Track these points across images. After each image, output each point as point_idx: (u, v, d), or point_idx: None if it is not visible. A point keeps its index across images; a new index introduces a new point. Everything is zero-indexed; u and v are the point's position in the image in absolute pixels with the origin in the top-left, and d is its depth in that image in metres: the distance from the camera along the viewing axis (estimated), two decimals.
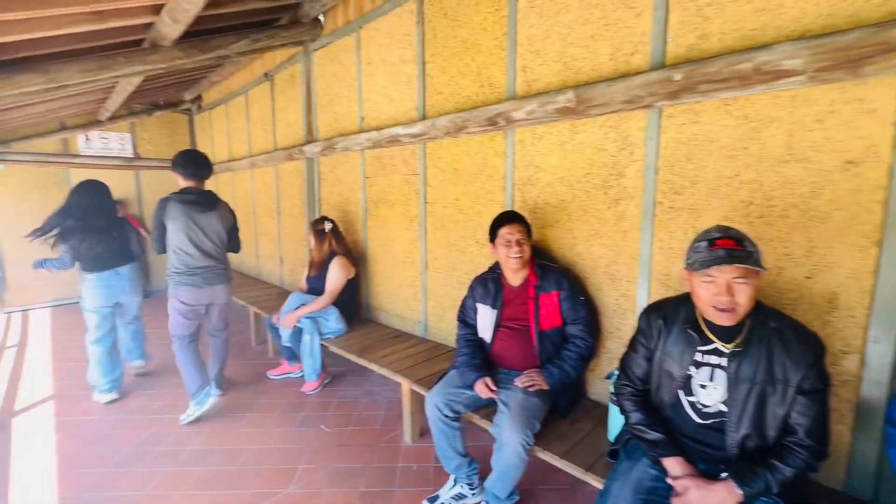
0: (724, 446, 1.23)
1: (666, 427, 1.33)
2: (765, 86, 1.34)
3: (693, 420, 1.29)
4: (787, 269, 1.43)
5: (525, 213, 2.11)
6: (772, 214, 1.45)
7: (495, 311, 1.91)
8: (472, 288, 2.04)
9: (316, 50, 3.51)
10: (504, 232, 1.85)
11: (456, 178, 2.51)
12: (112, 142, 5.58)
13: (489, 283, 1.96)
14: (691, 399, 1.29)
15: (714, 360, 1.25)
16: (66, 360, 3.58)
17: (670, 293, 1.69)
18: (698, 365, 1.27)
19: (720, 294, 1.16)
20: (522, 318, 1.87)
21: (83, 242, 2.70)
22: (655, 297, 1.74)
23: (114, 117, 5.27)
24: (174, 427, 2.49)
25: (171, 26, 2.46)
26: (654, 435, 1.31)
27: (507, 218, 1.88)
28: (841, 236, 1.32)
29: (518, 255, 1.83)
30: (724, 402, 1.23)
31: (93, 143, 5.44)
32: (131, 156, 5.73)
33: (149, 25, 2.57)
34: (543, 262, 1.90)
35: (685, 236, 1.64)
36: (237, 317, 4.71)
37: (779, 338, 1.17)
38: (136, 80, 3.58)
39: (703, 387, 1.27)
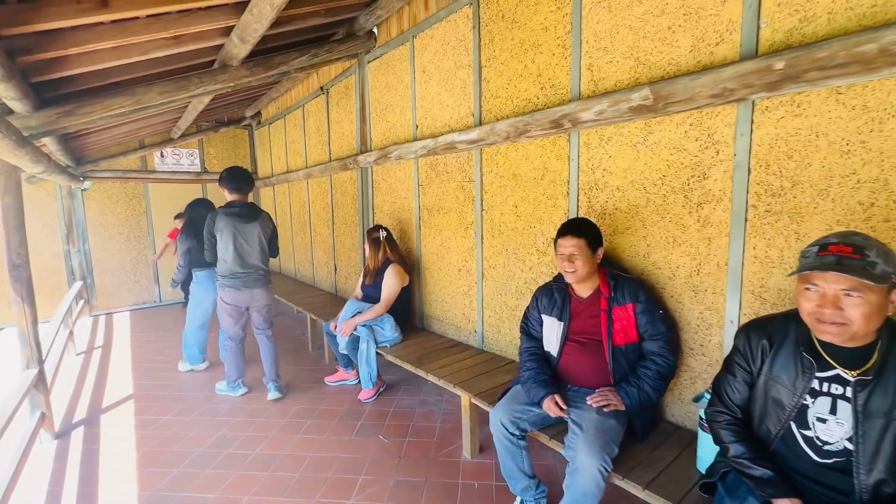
0: (853, 491, 1.05)
1: (774, 462, 1.16)
2: (894, 69, 1.15)
3: (810, 458, 1.12)
4: None
5: (592, 220, 1.99)
6: None
7: (562, 324, 1.80)
8: (536, 298, 1.94)
9: (370, 62, 3.57)
10: (559, 244, 1.75)
11: (514, 184, 2.43)
12: (183, 157, 6.02)
13: (555, 294, 1.86)
14: (807, 433, 1.12)
15: (836, 389, 1.08)
16: (143, 360, 3.86)
17: (766, 307, 1.52)
18: (815, 394, 1.10)
19: (823, 306, 1.01)
20: (593, 332, 1.74)
21: (200, 246, 3.17)
22: (748, 311, 1.56)
23: (184, 135, 5.69)
24: (241, 430, 2.58)
25: (239, 46, 2.59)
26: (760, 471, 1.15)
27: (564, 229, 1.77)
28: None
29: (570, 271, 1.73)
30: (849, 440, 1.06)
31: (167, 159, 5.90)
32: (199, 170, 6.15)
33: (219, 47, 2.72)
34: (616, 272, 1.77)
35: (786, 243, 1.46)
36: (294, 322, 4.89)
37: None
38: (206, 99, 3.83)
39: (821, 420, 1.09)
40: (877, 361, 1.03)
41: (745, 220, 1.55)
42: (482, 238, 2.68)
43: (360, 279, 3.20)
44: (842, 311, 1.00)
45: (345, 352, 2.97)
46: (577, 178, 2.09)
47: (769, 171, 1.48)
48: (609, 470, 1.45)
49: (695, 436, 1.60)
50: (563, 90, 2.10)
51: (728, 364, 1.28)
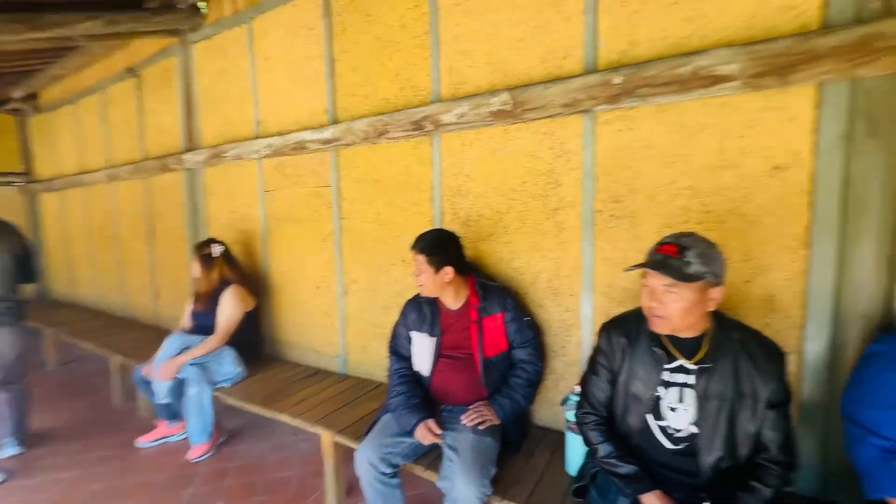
0: (699, 471, 1.13)
1: (638, 457, 1.20)
2: (703, 90, 1.33)
3: (664, 447, 1.18)
4: (727, 274, 1.43)
5: (457, 227, 1.93)
6: (709, 220, 1.44)
7: (434, 340, 1.66)
8: (403, 314, 1.76)
9: (196, 42, 2.96)
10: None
11: (376, 190, 2.23)
12: None
13: (424, 307, 1.71)
14: (661, 423, 1.18)
15: (681, 378, 1.16)
16: None
17: (615, 304, 1.63)
18: (667, 385, 1.17)
19: (651, 300, 1.11)
20: (465, 345, 1.64)
21: None
22: (600, 310, 1.66)
23: None
24: None
25: None
26: (627, 468, 1.17)
27: (414, 241, 1.65)
28: (774, 240, 1.35)
29: (419, 285, 1.65)
30: (695, 424, 1.14)
31: None
32: None
33: None
34: (484, 282, 1.71)
35: (627, 246, 1.59)
36: (96, 369, 3.72)
37: (744, 350, 1.11)
38: None
39: (672, 409, 1.16)
40: (709, 351, 1.13)
41: (594, 224, 1.65)
42: (342, 249, 2.40)
43: (189, 306, 2.57)
44: (664, 305, 1.08)
45: (166, 401, 2.31)
46: (441, 183, 2.00)
47: (611, 178, 1.60)
48: (489, 495, 1.35)
49: (562, 437, 1.62)
50: (424, 92, 2.00)
51: (592, 364, 1.30)
